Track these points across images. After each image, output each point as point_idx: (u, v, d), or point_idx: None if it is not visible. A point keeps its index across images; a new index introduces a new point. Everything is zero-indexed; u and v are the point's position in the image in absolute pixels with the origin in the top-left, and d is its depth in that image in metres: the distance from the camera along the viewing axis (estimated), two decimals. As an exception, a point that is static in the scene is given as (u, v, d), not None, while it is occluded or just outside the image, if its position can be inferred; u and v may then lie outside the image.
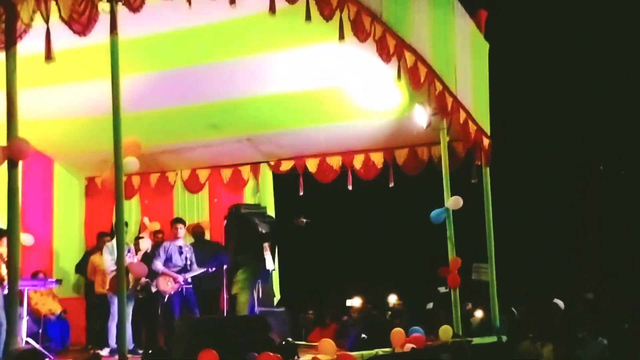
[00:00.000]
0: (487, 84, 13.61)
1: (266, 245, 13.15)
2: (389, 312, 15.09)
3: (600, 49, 20.54)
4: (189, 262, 12.10)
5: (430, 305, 14.81)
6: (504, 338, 12.19)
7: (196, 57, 10.80)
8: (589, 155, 20.94)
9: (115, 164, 7.75)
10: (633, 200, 20.38)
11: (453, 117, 11.88)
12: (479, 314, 13.79)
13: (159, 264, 11.90)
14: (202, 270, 12.10)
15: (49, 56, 7.23)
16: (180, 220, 12.63)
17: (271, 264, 13.37)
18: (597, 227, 21.52)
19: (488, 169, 13.36)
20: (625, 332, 12.06)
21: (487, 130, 13.32)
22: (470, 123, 12.32)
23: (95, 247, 13.74)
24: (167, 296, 11.80)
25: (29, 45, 7.13)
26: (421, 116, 11.79)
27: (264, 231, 13.25)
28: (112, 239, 12.04)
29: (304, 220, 12.88)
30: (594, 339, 11.77)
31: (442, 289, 13.80)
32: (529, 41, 20.67)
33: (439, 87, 11.14)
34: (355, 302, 15.40)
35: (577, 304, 14.40)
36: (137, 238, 13.44)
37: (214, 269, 12.29)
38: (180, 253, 12.12)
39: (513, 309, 14.05)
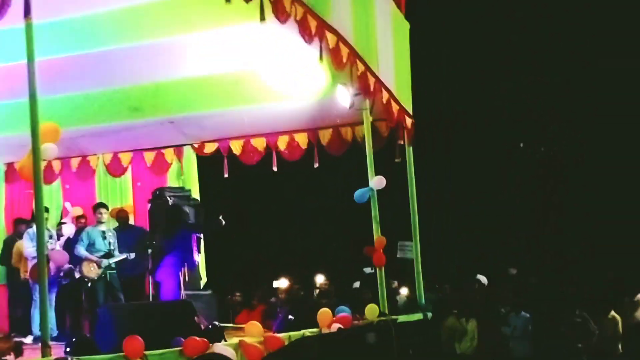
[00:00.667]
0: (409, 64, 13.69)
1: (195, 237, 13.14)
2: (316, 292, 15.16)
3: (522, 19, 20.82)
4: (112, 247, 11.96)
5: (357, 285, 14.92)
6: (430, 315, 12.34)
7: (114, 39, 10.58)
8: (510, 133, 21.29)
9: (33, 150, 7.57)
10: (552, 176, 20.82)
11: (376, 97, 11.90)
12: (404, 291, 13.95)
13: (81, 250, 11.75)
14: (125, 255, 11.97)
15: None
16: (103, 205, 12.49)
17: (198, 254, 13.35)
18: (518, 202, 21.93)
19: (411, 148, 13.48)
20: (548, 306, 12.37)
21: (410, 109, 13.42)
22: (392, 103, 12.38)
23: (13, 234, 13.47)
24: (90, 282, 11.65)
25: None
26: (344, 97, 11.79)
27: (192, 221, 13.16)
28: (30, 225, 11.86)
29: (222, 220, 12.80)
30: (517, 314, 12.04)
31: (367, 270, 13.91)
32: (449, 20, 20.86)
33: (361, 67, 11.13)
34: (282, 283, 15.43)
35: (501, 280, 14.69)
36: (60, 224, 13.24)
37: (133, 255, 12.14)
38: (104, 238, 11.98)
39: (437, 286, 14.25)
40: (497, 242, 20.74)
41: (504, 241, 21.10)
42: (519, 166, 21.70)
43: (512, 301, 12.32)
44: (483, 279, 14.24)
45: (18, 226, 13.29)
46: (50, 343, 7.46)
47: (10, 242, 13.36)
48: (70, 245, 12.44)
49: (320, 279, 15.93)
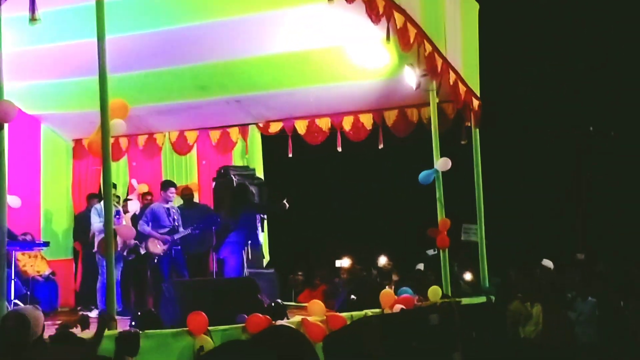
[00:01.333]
0: (477, 45, 13.51)
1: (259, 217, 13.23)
2: (379, 274, 15.10)
3: (593, 6, 20.38)
4: (176, 224, 12.10)
5: (420, 266, 14.84)
6: (493, 299, 12.23)
7: (184, 18, 10.68)
8: (579, 117, 20.89)
9: (102, 126, 7.68)
10: (623, 162, 20.41)
11: (443, 78, 11.80)
12: (468, 275, 13.83)
13: (145, 226, 11.91)
14: (189, 231, 12.07)
15: (33, 18, 7.15)
16: (172, 184, 12.60)
17: (261, 233, 13.44)
18: (587, 189, 21.56)
19: (477, 130, 13.32)
20: (614, 293, 12.15)
21: (477, 91, 13.26)
22: (460, 84, 12.25)
23: (86, 209, 13.69)
24: (156, 258, 11.81)
25: (14, 7, 7.04)
26: (411, 77, 11.71)
27: (257, 200, 13.24)
28: (100, 200, 12.03)
29: (286, 204, 12.83)
30: (583, 300, 11.85)
31: (430, 252, 13.83)
32: (519, 1, 20.52)
33: (428, 48, 11.05)
34: (344, 262, 15.42)
35: (568, 265, 14.47)
36: (125, 200, 13.41)
37: (198, 231, 12.24)
38: (168, 215, 12.12)
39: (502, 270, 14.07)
40: (564, 227, 20.44)
41: (571, 226, 20.79)
42: (589, 150, 21.30)
43: (578, 286, 12.12)
44: (548, 263, 14.04)
45: (91, 201, 13.51)
46: (116, 318, 7.59)
47: (83, 218, 13.58)
48: (135, 222, 12.61)
49: (382, 260, 15.85)
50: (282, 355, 1.74)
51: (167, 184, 12.55)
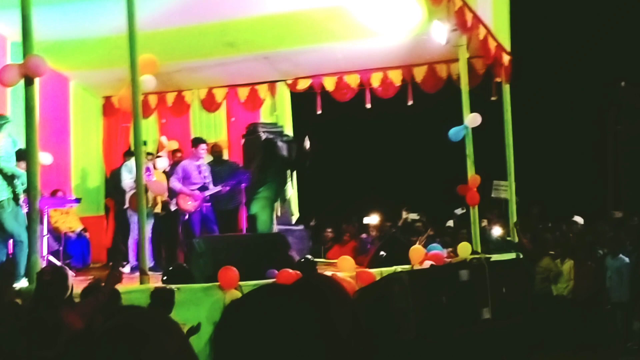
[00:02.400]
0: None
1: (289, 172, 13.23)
2: (408, 230, 15.10)
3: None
4: (207, 181, 12.15)
5: (450, 223, 14.83)
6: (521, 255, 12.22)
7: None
8: (610, 72, 20.61)
9: (132, 81, 7.71)
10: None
11: (472, 33, 11.69)
12: (497, 231, 13.78)
13: (176, 183, 11.95)
14: (220, 188, 12.12)
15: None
16: (203, 141, 12.63)
17: (291, 189, 13.45)
18: (617, 145, 21.34)
19: (508, 85, 13.21)
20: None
21: (507, 46, 13.12)
22: (490, 39, 12.13)
23: (120, 167, 13.79)
24: (187, 215, 11.88)
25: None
26: (440, 32, 11.60)
27: (286, 155, 13.23)
28: (131, 157, 12.09)
29: (307, 141, 12.81)
30: (614, 256, 11.77)
31: (458, 211, 13.81)
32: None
33: (458, 2, 10.94)
34: (372, 219, 15.43)
35: (601, 221, 14.35)
36: (155, 157, 13.47)
37: (228, 187, 12.27)
38: (199, 172, 12.16)
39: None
40: (596, 183, 20.29)
41: (603, 182, 20.63)
42: (621, 105, 21.05)
43: (610, 243, 12.03)
44: (579, 219, 13.98)
45: (126, 159, 13.61)
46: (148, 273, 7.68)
47: (116, 175, 13.66)
48: (166, 178, 12.68)
49: (412, 217, 15.84)
50: (317, 302, 1.75)
51: (198, 141, 12.58)
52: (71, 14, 11.34)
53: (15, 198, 8.91)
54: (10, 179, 8.95)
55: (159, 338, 1.85)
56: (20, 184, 8.91)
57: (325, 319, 1.61)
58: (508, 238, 13.18)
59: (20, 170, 9.10)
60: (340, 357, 1.60)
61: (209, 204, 12.07)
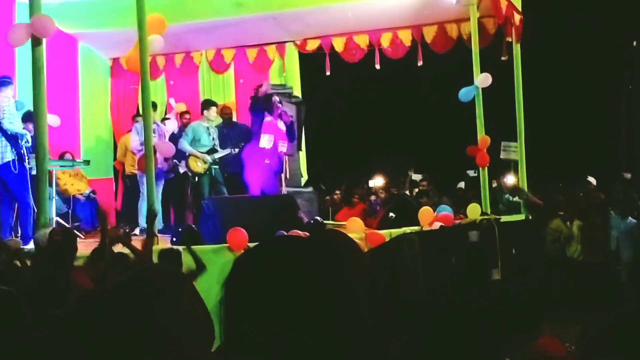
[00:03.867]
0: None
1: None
2: (416, 191, 15.09)
3: None
4: (215, 143, 12.11)
5: (461, 185, 14.80)
6: (531, 217, 12.21)
7: None
8: (623, 31, 20.42)
9: (140, 41, 7.64)
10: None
11: (483, -8, 11.57)
12: (510, 179, 13.68)
13: (186, 145, 11.91)
14: (229, 151, 12.08)
15: None
16: (213, 103, 12.58)
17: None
18: (630, 105, 21.21)
19: (519, 45, 13.09)
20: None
21: (519, 5, 12.98)
22: (501, -2, 12.00)
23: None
24: (197, 177, 11.85)
25: None
26: (451, -9, 11.49)
27: (294, 118, 13.13)
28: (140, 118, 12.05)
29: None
30: (624, 218, 11.73)
31: (471, 173, 13.76)
32: None
33: (469, -40, 10.81)
34: (377, 182, 15.42)
35: (613, 183, 14.28)
36: (163, 119, 13.43)
37: (237, 149, 12.22)
38: (208, 134, 12.12)
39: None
40: (607, 144, 20.20)
41: (615, 143, 20.54)
42: (633, 64, 20.88)
43: (621, 204, 11.97)
44: (593, 180, 13.92)
45: (135, 120, 13.62)
46: (157, 234, 7.66)
47: (127, 138, 13.66)
48: (174, 140, 12.64)
49: (415, 177, 15.82)
50: (332, 255, 1.72)
51: (208, 103, 12.53)
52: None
53: (21, 159, 8.91)
54: (14, 139, 8.96)
55: (169, 291, 1.83)
56: (25, 145, 8.93)
57: (340, 272, 1.58)
58: (517, 199, 13.14)
59: (24, 130, 9.11)
60: (357, 314, 1.57)
61: (217, 166, 12.03)
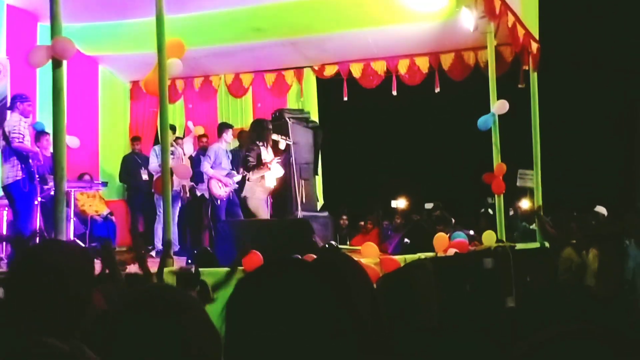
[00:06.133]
0: (537, -14, 13.25)
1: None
2: (433, 218, 15.10)
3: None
4: (232, 167, 12.18)
5: (482, 211, 14.79)
6: (547, 244, 12.16)
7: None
8: (637, 58, 20.39)
9: (159, 65, 7.74)
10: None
11: (501, 20, 11.59)
12: (525, 204, 13.65)
13: (208, 167, 11.97)
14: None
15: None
16: (230, 126, 12.67)
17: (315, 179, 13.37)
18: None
19: (536, 73, 13.10)
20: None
21: (536, 34, 13.01)
22: (518, 26, 12.01)
23: (131, 152, 13.97)
24: (219, 200, 11.89)
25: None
26: (468, 19, 11.54)
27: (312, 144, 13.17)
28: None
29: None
30: (638, 246, 11.64)
31: (490, 200, 13.75)
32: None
33: (486, -11, 10.87)
34: (400, 203, 15.43)
35: (627, 212, 14.20)
36: (177, 138, 13.50)
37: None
38: (228, 157, 12.21)
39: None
40: (623, 173, 20.13)
41: (631, 172, 20.46)
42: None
43: (637, 234, 11.89)
44: (602, 209, 13.86)
45: (133, 144, 13.78)
46: (173, 257, 7.72)
47: (126, 160, 13.78)
48: (192, 162, 12.74)
49: (427, 206, 15.82)
50: (336, 281, 1.73)
51: (225, 126, 12.63)
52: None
53: (31, 178, 9.09)
54: (25, 159, 9.14)
55: (179, 312, 1.85)
56: (35, 164, 9.13)
57: (343, 295, 1.60)
58: (533, 227, 13.12)
59: (34, 149, 9.30)
60: (359, 337, 1.59)
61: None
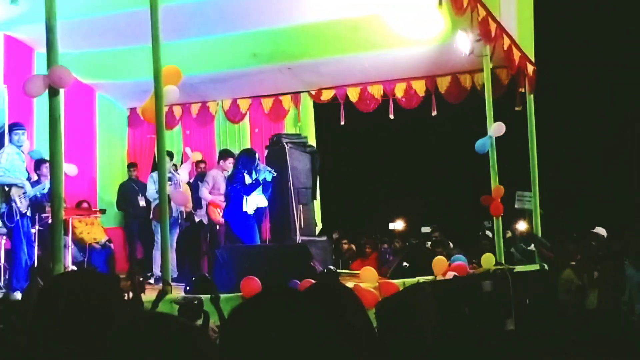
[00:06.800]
0: (532, 9, 13.29)
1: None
2: (430, 241, 15.09)
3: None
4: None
5: (481, 233, 14.77)
6: (546, 266, 12.15)
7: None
8: (636, 82, 20.46)
9: (156, 92, 7.76)
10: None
11: (497, 44, 11.66)
12: (522, 225, 13.64)
13: (206, 192, 12.00)
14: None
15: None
16: (231, 155, 12.67)
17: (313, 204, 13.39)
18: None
19: (532, 96, 13.14)
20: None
21: (532, 56, 13.06)
22: (514, 49, 12.08)
23: (128, 179, 13.99)
24: (218, 226, 11.90)
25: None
26: (464, 43, 11.58)
27: (310, 168, 13.21)
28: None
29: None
30: (637, 268, 11.62)
31: (487, 223, 13.74)
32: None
33: (482, 12, 10.91)
34: (397, 225, 15.41)
35: (626, 233, 14.18)
36: (175, 169, 13.52)
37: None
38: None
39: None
40: (621, 194, 20.12)
41: (629, 194, 20.45)
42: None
43: (636, 255, 11.88)
44: (602, 230, 13.85)
45: (131, 170, 13.80)
46: (171, 283, 7.71)
47: (123, 187, 13.78)
48: (190, 188, 12.75)
49: (424, 230, 15.81)
50: (329, 310, 1.73)
51: (226, 154, 12.65)
52: (97, 27, 11.48)
53: (10, 211, 9.15)
54: (17, 189, 9.20)
55: (170, 339, 1.84)
56: (25, 195, 9.18)
57: (337, 324, 1.60)
58: (531, 248, 13.10)
59: (23, 181, 9.34)
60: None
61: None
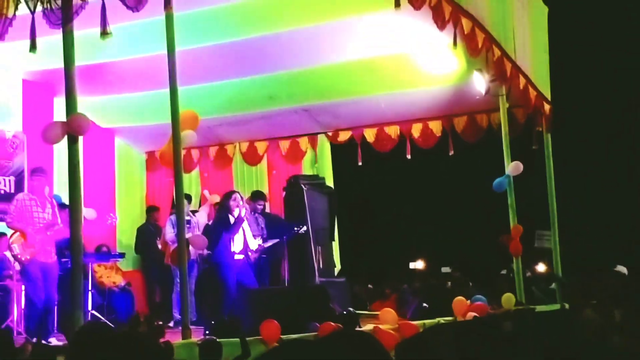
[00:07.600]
0: (547, 49, 13.35)
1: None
2: (450, 282, 15.03)
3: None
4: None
5: (504, 272, 14.68)
6: (567, 306, 12.05)
7: (251, 29, 10.81)
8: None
9: (173, 137, 7.81)
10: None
11: (512, 83, 11.69)
12: (541, 267, 13.54)
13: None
14: (277, 240, 12.18)
15: (104, 32, 7.31)
16: (263, 197, 12.77)
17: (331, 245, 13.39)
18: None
19: (549, 134, 13.14)
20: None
21: (548, 95, 13.08)
22: (530, 88, 12.11)
23: (146, 222, 14.06)
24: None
25: (86, 22, 7.20)
26: (479, 83, 11.62)
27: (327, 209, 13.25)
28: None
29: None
30: (658, 308, 11.51)
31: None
32: (589, 3, 20.19)
33: (497, 52, 10.96)
34: (418, 264, 15.34)
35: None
36: (193, 212, 13.55)
37: (285, 238, 12.31)
38: (257, 224, 12.27)
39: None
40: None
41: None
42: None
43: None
44: (622, 269, 13.75)
45: (149, 214, 13.84)
46: (190, 327, 7.69)
47: (141, 231, 13.84)
48: (206, 232, 12.74)
49: (444, 270, 15.75)
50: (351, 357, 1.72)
51: (258, 196, 12.74)
52: (115, 72, 11.62)
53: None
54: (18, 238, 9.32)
55: None
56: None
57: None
58: (552, 287, 13.01)
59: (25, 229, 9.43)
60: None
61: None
